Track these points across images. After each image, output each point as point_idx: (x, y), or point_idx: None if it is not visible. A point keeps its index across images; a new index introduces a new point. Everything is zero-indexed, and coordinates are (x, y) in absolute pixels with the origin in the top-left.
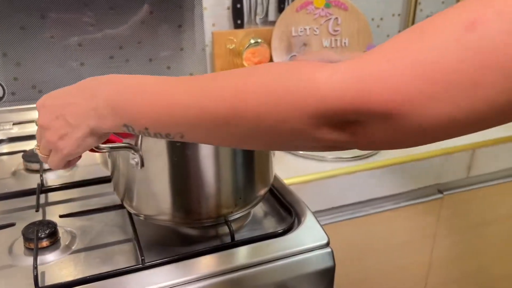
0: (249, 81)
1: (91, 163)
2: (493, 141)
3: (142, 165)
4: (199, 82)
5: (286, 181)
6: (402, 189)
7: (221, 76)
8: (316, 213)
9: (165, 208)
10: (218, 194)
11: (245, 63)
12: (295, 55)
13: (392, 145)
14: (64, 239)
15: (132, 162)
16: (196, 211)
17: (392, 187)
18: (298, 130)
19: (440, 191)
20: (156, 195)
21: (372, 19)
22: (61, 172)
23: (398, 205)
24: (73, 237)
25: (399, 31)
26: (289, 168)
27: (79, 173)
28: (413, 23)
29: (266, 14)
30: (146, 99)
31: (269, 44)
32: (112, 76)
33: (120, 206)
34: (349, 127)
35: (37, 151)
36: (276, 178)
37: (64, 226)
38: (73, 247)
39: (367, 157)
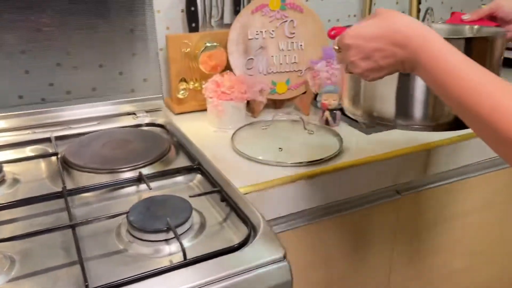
0: (505, 103)
1: (35, 179)
2: (448, 140)
3: None
4: (481, 82)
5: (245, 189)
6: (361, 192)
7: (489, 85)
8: (276, 220)
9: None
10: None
11: (201, 67)
12: (252, 59)
13: None
14: (2, 265)
15: None
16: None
17: (351, 190)
18: None
19: (398, 192)
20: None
21: (329, 21)
22: (2, 189)
23: (357, 208)
24: (12, 262)
25: None
26: (247, 175)
27: (21, 190)
28: None
29: (222, 17)
30: (448, 83)
31: (225, 47)
32: (424, 34)
33: (63, 227)
34: None
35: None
36: (231, 187)
37: (3, 251)
38: (12, 274)
39: (326, 160)
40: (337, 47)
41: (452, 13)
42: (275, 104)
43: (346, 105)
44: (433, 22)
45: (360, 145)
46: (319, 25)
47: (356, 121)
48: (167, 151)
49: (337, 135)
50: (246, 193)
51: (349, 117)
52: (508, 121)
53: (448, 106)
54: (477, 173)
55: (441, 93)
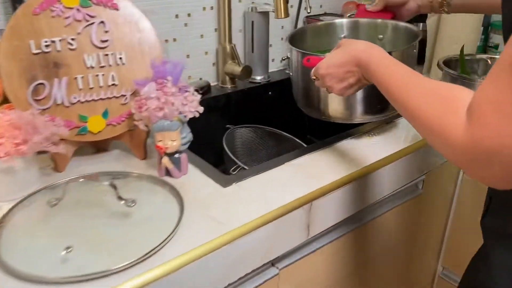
0: (414, 99)
1: None
2: (329, 187)
3: None
4: (406, 84)
5: None
6: (228, 281)
7: (406, 78)
8: None
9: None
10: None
11: None
12: (42, 84)
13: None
14: None
15: None
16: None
17: (214, 281)
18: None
19: (275, 266)
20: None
21: (177, 16)
22: None
23: None
24: None
25: (216, 29)
26: None
27: None
28: (229, 17)
29: None
30: (388, 86)
31: None
32: (370, 52)
33: None
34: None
35: (326, 91)
36: None
37: None
38: None
39: (148, 257)
40: (314, 77)
41: (357, 6)
42: (97, 145)
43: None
44: (351, 16)
45: (213, 210)
46: (147, 27)
47: (214, 165)
48: None
49: (177, 196)
50: None
51: (205, 160)
52: (413, 100)
53: (390, 102)
54: (369, 217)
55: (385, 93)
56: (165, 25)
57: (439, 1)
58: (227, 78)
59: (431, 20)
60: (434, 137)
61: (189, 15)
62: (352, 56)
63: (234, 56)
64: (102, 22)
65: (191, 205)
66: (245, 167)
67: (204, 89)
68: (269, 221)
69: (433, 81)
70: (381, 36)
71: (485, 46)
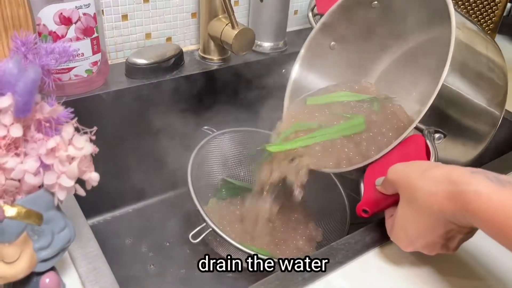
0: None
1: None
2: None
3: None
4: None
5: None
6: None
7: None
8: None
9: None
10: None
11: None
12: None
13: None
14: None
15: None
16: None
17: None
18: None
19: None
20: None
21: None
22: None
23: None
24: None
25: None
26: None
27: None
28: None
29: None
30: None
31: None
32: (460, 188)
33: None
34: None
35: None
36: None
37: None
38: None
39: None
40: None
41: None
42: None
43: None
44: None
45: None
46: None
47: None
48: None
49: None
50: None
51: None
52: None
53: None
54: None
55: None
56: None
57: None
58: (212, 44)
59: None
60: None
61: None
62: (439, 214)
63: (226, 9)
64: None
65: None
66: (226, 237)
67: (170, 61)
68: None
69: None
70: (376, 2)
71: None
